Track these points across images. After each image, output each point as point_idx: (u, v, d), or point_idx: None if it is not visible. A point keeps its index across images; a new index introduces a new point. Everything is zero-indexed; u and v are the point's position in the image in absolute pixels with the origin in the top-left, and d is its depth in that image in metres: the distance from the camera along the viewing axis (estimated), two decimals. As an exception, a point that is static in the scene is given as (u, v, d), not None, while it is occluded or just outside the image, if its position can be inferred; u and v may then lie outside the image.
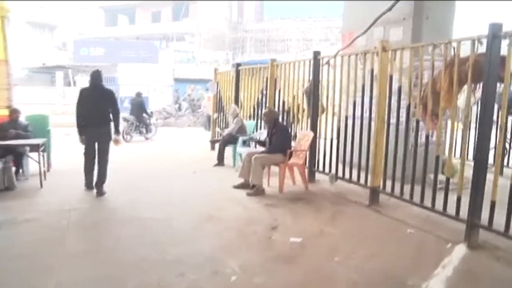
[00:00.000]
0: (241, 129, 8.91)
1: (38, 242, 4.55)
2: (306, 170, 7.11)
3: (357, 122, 6.34)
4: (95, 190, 6.46)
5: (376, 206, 5.76)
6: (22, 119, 7.82)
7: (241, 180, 6.83)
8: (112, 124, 6.63)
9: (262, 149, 7.34)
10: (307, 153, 7.06)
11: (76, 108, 6.65)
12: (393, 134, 5.55)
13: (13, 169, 7.15)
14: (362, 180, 6.14)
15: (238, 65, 10.38)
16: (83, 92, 6.74)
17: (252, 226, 5.02)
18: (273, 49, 33.40)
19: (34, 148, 7.08)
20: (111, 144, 6.66)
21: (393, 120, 5.61)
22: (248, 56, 31.52)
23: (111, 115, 6.61)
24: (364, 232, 4.92)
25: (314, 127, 7.13)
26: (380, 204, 5.81)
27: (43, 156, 7.41)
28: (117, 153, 7.80)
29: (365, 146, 6.12)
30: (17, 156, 7.34)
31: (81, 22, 32.70)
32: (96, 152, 6.56)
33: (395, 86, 5.61)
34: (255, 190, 6.43)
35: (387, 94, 5.63)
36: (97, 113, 6.52)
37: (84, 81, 21.41)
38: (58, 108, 21.22)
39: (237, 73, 10.15)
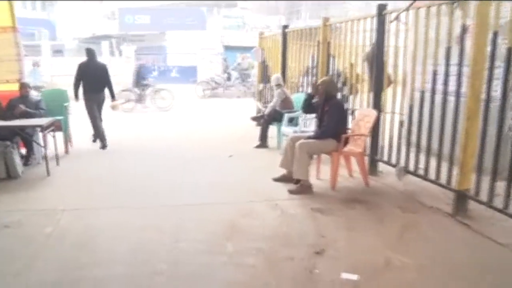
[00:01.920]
0: (286, 104, 7.43)
1: None
2: (367, 160, 5.58)
3: (438, 98, 4.66)
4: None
5: (463, 217, 4.16)
6: (34, 94, 6.81)
7: (283, 171, 5.43)
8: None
9: (311, 131, 5.88)
10: (368, 138, 5.51)
11: (74, 78, 7.67)
12: (494, 117, 3.90)
13: (21, 152, 6.23)
14: (443, 179, 4.54)
15: (285, 27, 8.79)
16: (81, 66, 7.76)
17: (289, 247, 3.62)
18: (330, 14, 31.03)
19: (43, 128, 6.04)
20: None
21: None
22: (303, 22, 29.45)
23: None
24: (451, 264, 3.38)
25: (377, 104, 5.54)
26: (470, 213, 4.22)
27: (53, 137, 6.39)
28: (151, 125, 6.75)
29: (448, 131, 4.45)
30: (26, 137, 6.36)
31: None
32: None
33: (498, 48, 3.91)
34: (299, 186, 5.02)
35: (486, 60, 3.94)
36: (94, 82, 7.64)
37: (129, 51, 20.65)
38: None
39: (284, 37, 8.60)
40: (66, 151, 7.20)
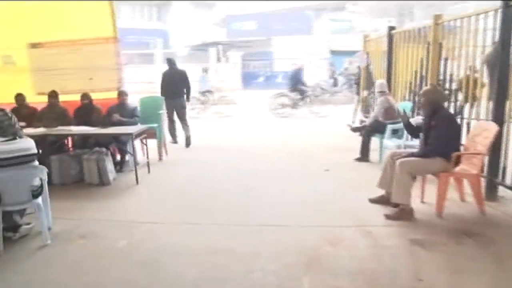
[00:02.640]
0: (389, 113, 6.65)
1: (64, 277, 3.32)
2: (483, 183, 4.67)
3: None
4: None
5: None
6: (131, 101, 6.92)
7: (381, 191, 4.75)
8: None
9: (416, 145, 5.12)
10: (486, 156, 4.59)
11: (161, 86, 8.58)
12: None
13: (113, 159, 6.33)
14: None
15: (391, 28, 7.97)
16: (163, 74, 8.72)
17: (376, 290, 3.01)
18: (447, 14, 28.53)
19: (133, 136, 6.07)
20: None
21: None
22: (416, 24, 27.46)
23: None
24: None
25: (499, 116, 4.60)
26: None
27: (145, 144, 6.40)
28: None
29: None
30: (120, 144, 6.47)
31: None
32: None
33: None
34: (398, 211, 4.31)
35: None
36: (173, 88, 8.37)
37: (236, 57, 20.95)
38: (213, 85, 21.06)
39: (390, 39, 7.80)
40: (160, 159, 7.23)
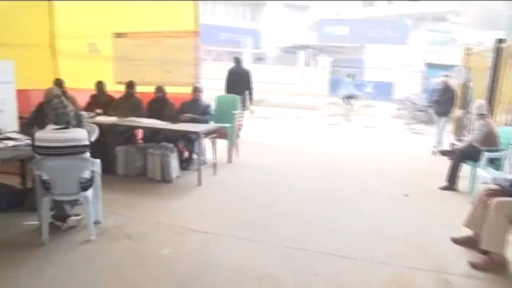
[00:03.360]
0: (488, 139, 5.75)
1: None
2: None
3: None
4: None
5: None
6: (205, 98, 6.70)
7: (468, 231, 4.01)
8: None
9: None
10: None
11: (225, 82, 8.78)
12: None
13: (180, 156, 6.14)
14: None
15: (500, 41, 6.98)
16: (229, 71, 8.87)
17: None
18: None
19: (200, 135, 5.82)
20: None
21: None
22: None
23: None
24: None
25: None
26: None
27: (214, 144, 6.14)
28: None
29: None
30: (189, 141, 6.27)
31: (338, 3, 31.76)
32: None
33: None
34: (487, 260, 3.56)
35: None
36: (236, 85, 8.50)
37: (325, 62, 20.34)
38: (299, 89, 20.60)
39: (497, 53, 6.83)
40: (229, 161, 6.94)
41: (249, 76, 8.77)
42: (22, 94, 6.80)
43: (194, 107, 6.44)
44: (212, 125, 6.24)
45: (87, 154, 3.65)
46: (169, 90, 6.66)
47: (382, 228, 4.39)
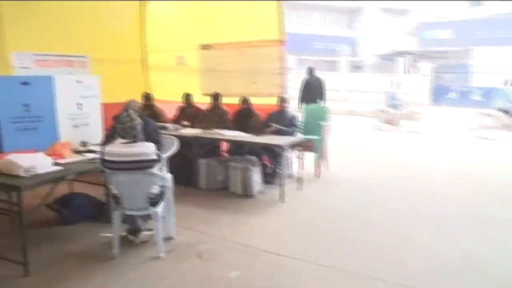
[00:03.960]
0: None
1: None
2: None
3: None
4: None
5: None
6: (291, 109, 6.38)
7: None
8: None
9: None
10: None
11: (299, 92, 9.12)
12: None
13: (264, 169, 5.87)
14: None
15: None
16: (303, 81, 9.25)
17: None
18: None
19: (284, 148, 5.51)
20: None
21: None
22: None
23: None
24: None
25: None
26: None
27: (300, 158, 5.78)
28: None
29: None
30: (273, 154, 5.98)
31: (440, 5, 29.62)
32: None
33: None
34: None
35: None
36: (309, 95, 8.86)
37: (426, 68, 19.03)
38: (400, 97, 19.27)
39: None
40: (317, 175, 6.52)
41: (322, 85, 9.17)
42: (116, 108, 7.11)
43: (280, 119, 6.15)
44: (297, 137, 5.90)
45: (156, 169, 3.49)
46: (254, 101, 6.46)
47: (490, 261, 3.69)
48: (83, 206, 4.38)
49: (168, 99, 7.43)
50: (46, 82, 4.31)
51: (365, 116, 14.95)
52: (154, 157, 3.40)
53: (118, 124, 3.33)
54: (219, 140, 5.76)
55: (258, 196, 5.45)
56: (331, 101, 10.98)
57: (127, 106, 3.69)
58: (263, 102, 6.57)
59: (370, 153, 8.70)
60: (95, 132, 4.70)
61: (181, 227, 4.20)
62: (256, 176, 5.51)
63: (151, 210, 3.55)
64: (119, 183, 3.43)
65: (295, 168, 6.31)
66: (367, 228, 4.44)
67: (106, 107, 5.60)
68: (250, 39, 6.60)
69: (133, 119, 3.37)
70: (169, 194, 3.86)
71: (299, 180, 5.81)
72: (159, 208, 3.62)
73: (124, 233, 3.94)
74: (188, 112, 6.87)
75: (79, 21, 6.18)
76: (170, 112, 7.01)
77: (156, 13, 7.58)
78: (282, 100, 6.23)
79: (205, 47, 7.05)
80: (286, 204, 5.20)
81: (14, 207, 3.94)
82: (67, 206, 4.37)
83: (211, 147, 6.05)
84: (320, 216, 4.82)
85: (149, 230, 3.95)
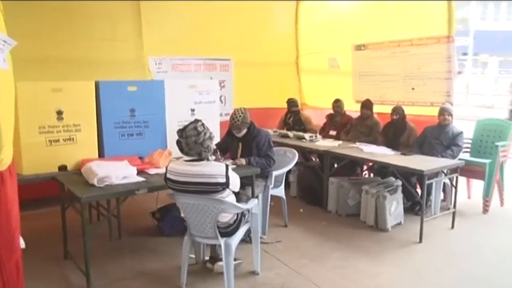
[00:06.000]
0: None
1: None
2: None
3: None
4: None
5: None
6: (457, 125, 5.04)
7: None
8: None
9: None
10: None
11: None
12: None
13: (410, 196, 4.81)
14: None
15: None
16: None
17: None
18: None
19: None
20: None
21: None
22: None
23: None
24: None
25: None
26: None
27: (453, 185, 4.50)
28: None
29: None
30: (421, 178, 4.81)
31: None
32: None
33: None
34: None
35: None
36: None
37: None
38: None
39: None
40: (485, 210, 5.04)
41: None
42: (264, 113, 6.82)
43: (439, 135, 4.92)
44: (455, 161, 4.59)
45: (226, 193, 2.93)
46: (411, 111, 5.38)
47: None
48: (181, 219, 4.11)
49: (318, 105, 6.81)
50: (156, 87, 4.17)
51: None
52: (221, 180, 2.84)
53: (182, 139, 2.88)
54: (350, 157, 4.83)
55: (393, 231, 4.40)
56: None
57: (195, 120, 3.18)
58: (422, 113, 5.42)
59: None
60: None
61: (276, 261, 3.59)
62: (393, 206, 4.46)
63: (221, 241, 3.01)
64: (184, 206, 3.00)
65: (460, 198, 4.98)
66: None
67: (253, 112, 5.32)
68: (409, 37, 5.49)
69: (200, 133, 2.87)
70: (255, 223, 3.28)
71: (453, 215, 4.51)
72: (234, 240, 3.07)
73: (207, 258, 3.54)
74: (336, 121, 6.13)
75: (222, 22, 6.04)
76: (322, 120, 6.37)
77: (309, 11, 7.00)
78: (444, 111, 4.94)
79: (359, 47, 6.15)
80: (425, 246, 4.04)
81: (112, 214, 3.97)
82: (166, 217, 4.18)
83: (346, 163, 5.15)
84: (468, 269, 3.55)
85: (235, 259, 3.44)
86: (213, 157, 3.06)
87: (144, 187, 3.27)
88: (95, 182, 3.19)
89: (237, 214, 3.07)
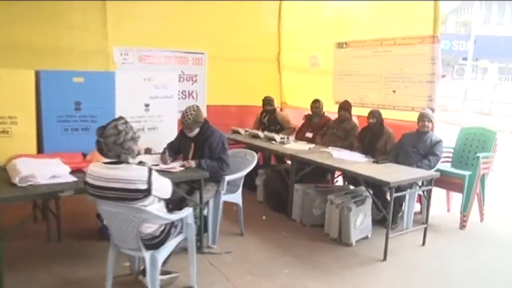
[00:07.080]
0: None
1: None
2: None
3: None
4: None
5: None
6: (436, 134, 4.67)
7: None
8: None
9: None
10: None
11: None
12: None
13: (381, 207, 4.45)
14: None
15: None
16: None
17: None
18: None
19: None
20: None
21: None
22: None
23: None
24: None
25: None
26: None
27: (426, 198, 4.15)
28: None
29: None
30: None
31: None
32: None
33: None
34: None
35: None
36: None
37: None
38: None
39: None
40: (462, 226, 4.68)
41: None
42: (242, 111, 6.49)
43: (417, 142, 4.56)
44: (429, 172, 4.23)
45: (148, 201, 2.58)
46: (391, 115, 5.03)
47: None
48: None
49: (298, 105, 6.46)
50: (105, 79, 3.85)
51: None
52: (141, 186, 2.50)
53: (101, 138, 2.54)
54: (316, 163, 4.44)
55: (357, 245, 4.05)
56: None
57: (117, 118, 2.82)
58: (402, 117, 5.06)
59: None
60: (167, 138, 4.05)
61: (220, 275, 3.27)
62: (359, 219, 4.10)
63: (146, 254, 2.68)
64: (104, 213, 2.67)
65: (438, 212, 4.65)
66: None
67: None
68: (393, 36, 5.12)
69: (120, 132, 2.53)
70: (190, 234, 2.94)
71: (424, 231, 4.16)
72: (161, 253, 2.73)
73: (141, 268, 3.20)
74: (314, 122, 5.78)
75: (196, 13, 5.66)
76: (301, 120, 6.01)
77: (293, 5, 6.62)
78: (422, 117, 4.57)
79: (341, 45, 5.78)
80: (389, 264, 3.70)
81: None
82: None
83: (315, 169, 4.76)
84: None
85: (168, 272, 3.11)
86: (136, 160, 2.72)
87: (71, 188, 2.95)
88: (16, 181, 2.87)
89: (165, 225, 2.73)
